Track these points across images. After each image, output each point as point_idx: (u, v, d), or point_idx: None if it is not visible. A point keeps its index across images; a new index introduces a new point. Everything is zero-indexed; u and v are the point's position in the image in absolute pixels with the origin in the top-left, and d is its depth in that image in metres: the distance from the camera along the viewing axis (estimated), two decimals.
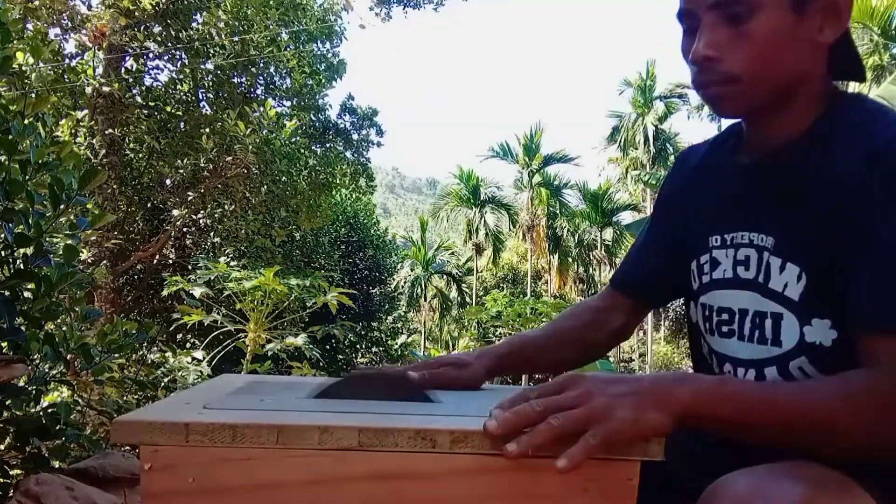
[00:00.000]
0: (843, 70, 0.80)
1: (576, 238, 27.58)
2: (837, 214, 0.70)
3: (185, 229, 9.54)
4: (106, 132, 8.23)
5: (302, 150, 9.31)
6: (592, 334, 1.01)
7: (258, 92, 9.62)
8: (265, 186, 8.65)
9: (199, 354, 4.83)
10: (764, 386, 0.70)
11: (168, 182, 9.07)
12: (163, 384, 4.14)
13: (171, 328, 7.05)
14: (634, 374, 0.66)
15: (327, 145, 10.74)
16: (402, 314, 18.79)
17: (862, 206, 0.68)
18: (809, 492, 0.58)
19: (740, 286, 0.80)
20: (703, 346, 0.88)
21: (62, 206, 1.78)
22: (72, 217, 2.04)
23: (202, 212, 8.97)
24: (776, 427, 0.63)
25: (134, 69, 9.08)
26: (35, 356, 1.92)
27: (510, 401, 0.61)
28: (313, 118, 10.47)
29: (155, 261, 9.64)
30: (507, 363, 0.97)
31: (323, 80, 9.88)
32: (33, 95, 2.00)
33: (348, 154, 10.98)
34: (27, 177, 1.75)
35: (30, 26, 7.75)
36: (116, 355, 2.27)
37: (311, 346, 4.86)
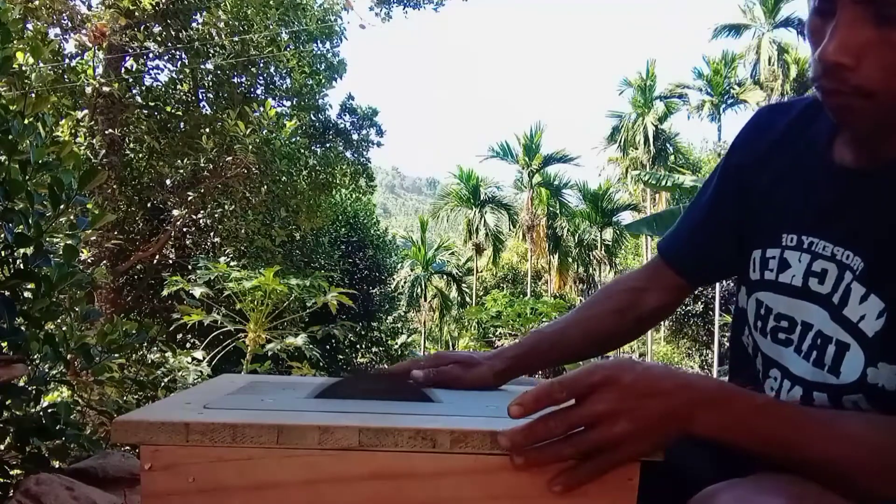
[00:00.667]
0: None
1: (576, 238, 27.60)
2: None
3: (185, 229, 9.55)
4: (106, 132, 8.23)
5: (302, 150, 9.31)
6: (618, 321, 0.93)
7: (258, 92, 9.63)
8: (265, 186, 8.66)
9: (199, 354, 4.83)
10: (797, 423, 0.61)
11: (168, 182, 9.08)
12: (163, 384, 4.14)
13: (171, 328, 7.04)
14: (680, 370, 0.63)
15: (327, 145, 10.75)
16: (402, 314, 18.80)
17: None
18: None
19: (809, 298, 0.73)
20: (748, 338, 0.83)
21: (62, 206, 1.78)
22: (72, 217, 2.04)
23: (202, 212, 8.97)
24: (799, 463, 0.59)
25: (134, 69, 9.09)
26: (35, 356, 1.92)
27: (533, 398, 0.57)
28: (313, 118, 10.48)
29: (155, 261, 9.64)
30: (523, 364, 0.91)
31: (323, 80, 9.89)
32: (33, 95, 2.00)
33: (348, 154, 10.99)
34: (27, 177, 1.75)
35: (30, 26, 7.75)
36: (116, 355, 2.27)
37: (311, 346, 4.86)
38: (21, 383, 1.89)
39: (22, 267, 1.81)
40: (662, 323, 28.99)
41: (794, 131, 0.79)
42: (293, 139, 8.95)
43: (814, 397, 0.72)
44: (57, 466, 2.09)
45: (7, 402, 1.84)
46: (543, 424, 0.57)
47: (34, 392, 1.98)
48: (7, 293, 1.76)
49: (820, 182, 0.74)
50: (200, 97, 9.32)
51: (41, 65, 7.34)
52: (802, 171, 0.76)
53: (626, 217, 26.33)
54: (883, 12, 0.58)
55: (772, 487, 0.58)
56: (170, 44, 8.60)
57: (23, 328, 1.82)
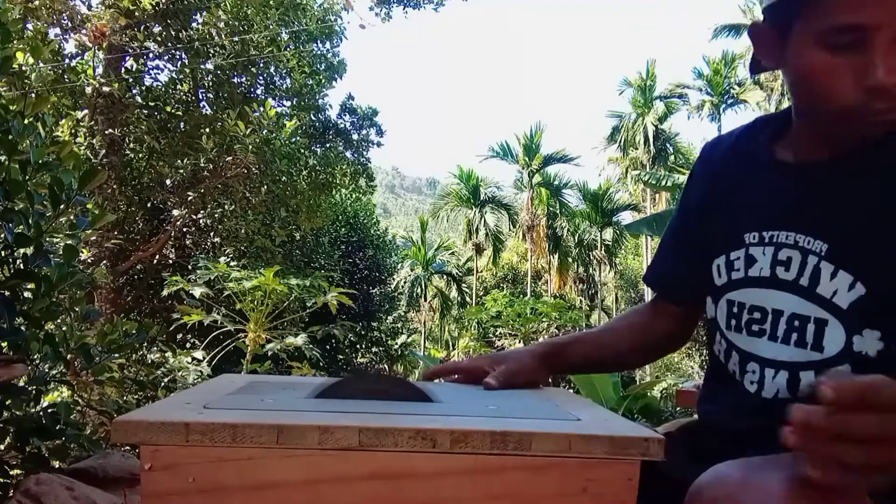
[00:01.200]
0: None
1: (576, 238, 27.59)
2: None
3: (185, 229, 9.54)
4: (106, 132, 8.23)
5: (302, 150, 9.31)
6: (648, 336, 1.00)
7: (258, 92, 9.62)
8: (265, 186, 8.66)
9: (199, 354, 4.83)
10: None
11: (168, 182, 9.07)
12: (163, 384, 4.14)
13: (171, 328, 7.04)
14: None
15: (327, 145, 10.74)
16: (402, 314, 18.79)
17: None
18: (799, 482, 0.56)
19: (777, 286, 0.78)
20: (719, 343, 0.87)
21: (62, 206, 1.78)
22: (72, 217, 2.04)
23: (202, 212, 8.97)
24: None
25: (134, 69, 9.08)
26: (35, 356, 1.92)
27: (857, 390, 0.48)
28: (313, 118, 10.47)
29: (155, 261, 9.64)
30: (560, 351, 0.98)
31: (323, 80, 9.88)
32: (33, 95, 2.00)
33: (348, 154, 10.99)
34: (27, 177, 1.75)
35: (30, 26, 7.75)
36: (116, 355, 2.28)
37: (311, 346, 4.86)
38: (21, 383, 1.89)
39: (22, 267, 1.81)
40: None
41: (736, 150, 0.88)
42: (293, 139, 8.95)
43: (800, 377, 0.76)
44: (57, 466, 2.09)
45: (7, 402, 1.84)
46: (854, 427, 0.47)
47: (34, 392, 1.99)
48: (7, 293, 1.76)
49: (772, 182, 0.82)
50: (200, 97, 9.32)
51: (41, 65, 7.33)
52: (753, 177, 0.84)
53: (626, 217, 26.33)
54: None
55: (776, 464, 0.58)
56: (170, 44, 8.60)
57: (23, 328, 1.83)
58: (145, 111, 8.84)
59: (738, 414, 0.82)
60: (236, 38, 8.48)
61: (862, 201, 0.73)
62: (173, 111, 9.13)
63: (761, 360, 0.80)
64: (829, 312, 0.74)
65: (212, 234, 9.47)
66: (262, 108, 8.49)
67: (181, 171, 8.75)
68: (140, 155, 9.19)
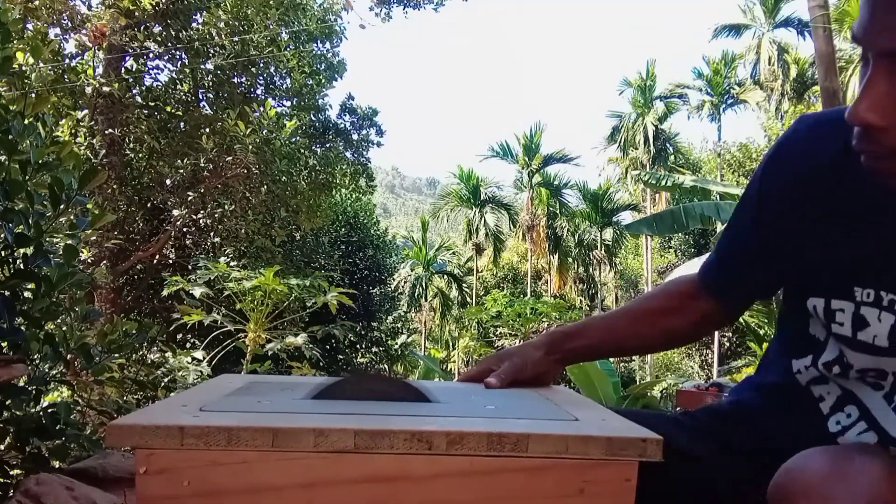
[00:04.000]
0: None
1: (576, 238, 27.58)
2: None
3: (185, 229, 9.54)
4: (106, 132, 8.23)
5: (302, 150, 9.30)
6: (675, 322, 0.90)
7: (258, 92, 9.62)
8: (265, 186, 8.65)
9: (199, 354, 4.83)
10: None
11: (168, 182, 9.06)
12: (163, 384, 4.14)
13: (171, 328, 7.04)
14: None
15: (327, 145, 10.74)
16: (403, 314, 18.78)
17: None
18: (890, 473, 0.54)
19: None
20: (810, 370, 0.76)
21: (62, 206, 1.78)
22: (72, 217, 2.04)
23: (202, 212, 8.97)
24: None
25: (134, 69, 9.08)
26: (35, 356, 1.92)
27: None
28: (313, 118, 10.47)
29: (155, 261, 9.64)
30: (569, 341, 0.92)
31: (323, 80, 9.88)
32: (33, 95, 2.00)
33: (348, 154, 10.98)
34: (27, 177, 1.75)
35: (30, 26, 7.75)
36: (116, 355, 2.28)
37: (311, 346, 4.86)
38: (21, 383, 1.89)
39: (22, 267, 1.81)
40: None
41: (849, 157, 0.64)
42: (293, 139, 8.95)
43: (890, 452, 0.66)
44: (57, 466, 2.09)
45: (7, 402, 1.84)
46: None
47: (34, 392, 1.98)
48: (7, 293, 1.76)
49: (886, 219, 0.66)
50: (200, 97, 9.32)
51: (41, 65, 7.34)
52: (873, 211, 0.66)
53: (626, 217, 26.32)
54: None
55: (860, 452, 0.57)
56: (170, 44, 8.60)
57: (23, 328, 1.83)
58: (145, 111, 8.83)
59: (802, 438, 0.71)
60: (236, 38, 8.48)
61: None
62: (173, 111, 9.12)
63: (864, 410, 0.71)
64: None
65: (212, 234, 9.47)
66: (262, 108, 8.49)
67: (181, 171, 8.74)
68: (140, 155, 9.19)
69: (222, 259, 6.95)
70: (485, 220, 27.64)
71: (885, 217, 0.65)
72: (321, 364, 9.73)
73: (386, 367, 14.22)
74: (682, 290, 0.90)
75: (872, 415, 0.70)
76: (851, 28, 0.58)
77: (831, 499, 0.54)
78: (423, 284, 27.24)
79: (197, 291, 4.78)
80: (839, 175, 0.68)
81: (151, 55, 8.89)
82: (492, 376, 0.87)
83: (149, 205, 9.55)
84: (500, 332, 21.30)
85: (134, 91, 8.79)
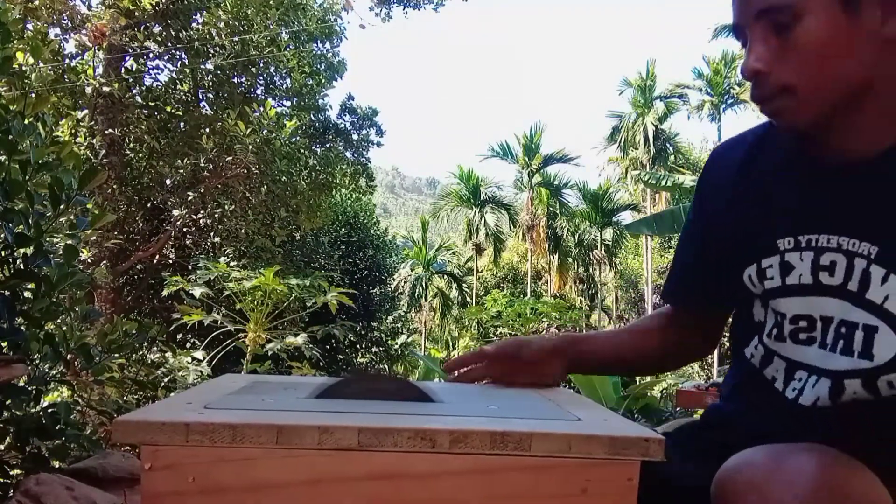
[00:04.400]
0: None
1: (576, 238, 27.59)
2: None
3: (185, 229, 9.54)
4: (106, 132, 8.22)
5: (302, 150, 9.31)
6: (654, 341, 0.98)
7: (258, 92, 9.62)
8: (265, 186, 8.66)
9: (199, 354, 4.83)
10: None
11: (168, 182, 9.06)
12: (163, 384, 4.14)
13: (171, 328, 7.04)
14: None
15: (327, 145, 10.74)
16: (403, 314, 18.78)
17: None
18: (828, 466, 0.58)
19: (822, 293, 0.75)
20: (756, 347, 0.83)
21: (62, 206, 1.78)
22: (72, 217, 2.04)
23: (202, 212, 8.96)
24: None
25: (134, 69, 9.08)
26: (35, 356, 1.92)
27: None
28: (313, 118, 10.47)
29: (155, 261, 9.64)
30: (574, 346, 0.96)
31: (323, 80, 9.88)
32: (33, 95, 2.00)
33: (348, 154, 10.98)
34: (27, 177, 1.75)
35: (30, 26, 7.75)
36: (116, 355, 2.28)
37: (311, 346, 4.86)
38: (21, 383, 1.89)
39: (22, 267, 1.81)
40: None
41: (755, 156, 0.83)
42: (293, 139, 8.95)
43: (844, 385, 0.73)
44: (57, 466, 2.09)
45: (7, 402, 1.84)
46: None
47: (34, 392, 1.98)
48: (7, 293, 1.76)
49: (804, 184, 0.78)
50: (200, 97, 9.32)
51: (41, 65, 7.34)
52: (776, 184, 0.80)
53: (626, 217, 26.32)
54: (779, 21, 0.68)
55: (801, 450, 0.60)
56: (170, 44, 8.60)
57: (23, 328, 1.83)
58: (145, 111, 8.83)
59: (769, 418, 0.80)
60: (236, 38, 8.48)
61: None
62: (173, 111, 9.12)
63: (810, 368, 0.76)
64: (879, 319, 0.71)
65: (212, 234, 9.46)
66: (262, 108, 8.49)
67: (181, 171, 8.74)
68: (140, 155, 9.19)
69: (222, 259, 6.95)
70: (485, 220, 27.64)
71: (794, 176, 0.78)
72: (321, 364, 9.73)
73: (386, 367, 14.21)
74: (664, 314, 0.99)
75: (816, 366, 0.76)
76: (732, 26, 0.74)
77: (770, 494, 0.58)
78: (423, 284, 27.24)
79: (197, 291, 4.78)
80: (748, 164, 0.83)
81: (151, 55, 8.89)
82: (490, 345, 0.95)
83: (149, 205, 9.55)
84: (500, 333, 21.30)
85: (134, 91, 8.78)
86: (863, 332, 0.72)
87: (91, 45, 8.33)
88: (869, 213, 0.72)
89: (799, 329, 0.77)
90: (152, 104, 8.93)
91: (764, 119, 0.81)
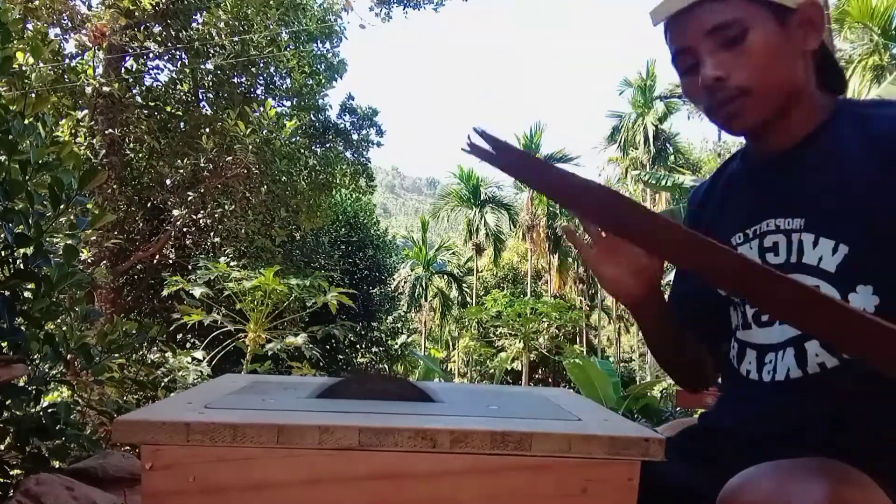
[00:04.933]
0: (829, 80, 0.86)
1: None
2: (872, 183, 0.74)
3: (185, 229, 9.53)
4: (106, 132, 8.22)
5: (302, 150, 9.30)
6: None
7: (258, 92, 9.61)
8: (265, 186, 8.65)
9: (199, 354, 4.83)
10: None
11: (168, 182, 9.06)
12: (163, 384, 4.14)
13: (171, 328, 7.04)
14: None
15: (327, 145, 10.73)
16: (403, 314, 18.78)
17: None
18: (834, 489, 0.58)
19: None
20: (733, 347, 0.89)
21: (62, 206, 1.78)
22: (72, 217, 2.04)
23: (202, 212, 8.96)
24: None
25: (134, 69, 9.08)
26: (35, 356, 1.92)
27: None
28: (313, 118, 10.46)
29: (155, 261, 9.63)
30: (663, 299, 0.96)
31: (323, 80, 9.87)
32: (33, 95, 2.00)
33: (348, 154, 10.97)
34: (27, 177, 1.75)
35: (30, 26, 7.74)
36: (116, 355, 2.28)
37: (311, 345, 4.86)
38: (21, 383, 1.89)
39: (22, 267, 1.81)
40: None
41: (717, 179, 0.97)
42: (293, 139, 8.94)
43: (805, 349, 0.79)
44: (57, 466, 2.09)
45: (7, 402, 1.84)
46: None
47: (34, 392, 1.98)
48: (7, 293, 1.76)
49: (744, 187, 0.89)
50: (200, 97, 9.32)
51: (41, 65, 7.33)
52: (731, 192, 0.91)
53: None
54: (726, 35, 0.78)
55: (808, 470, 0.61)
56: (170, 44, 8.59)
57: (23, 328, 1.82)
58: (145, 111, 8.83)
59: (749, 406, 0.83)
60: (236, 38, 8.47)
61: (822, 176, 0.79)
62: (173, 111, 9.11)
63: (775, 347, 0.82)
64: (819, 278, 0.77)
65: (212, 234, 9.46)
66: (262, 108, 8.48)
67: (181, 171, 8.73)
68: (140, 155, 9.18)
69: (222, 259, 6.95)
70: (485, 220, 27.63)
71: (738, 182, 0.90)
72: (321, 364, 9.72)
73: (386, 367, 14.21)
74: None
75: (779, 342, 0.81)
76: (674, 49, 0.84)
77: None
78: (423, 284, 27.22)
79: (197, 291, 4.78)
80: (712, 186, 0.96)
81: (151, 55, 8.88)
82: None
83: (149, 205, 9.54)
84: (501, 332, 21.29)
85: (134, 91, 8.78)
86: None
87: (91, 45, 8.33)
88: (793, 193, 0.82)
89: (757, 313, 0.84)
90: (152, 104, 8.92)
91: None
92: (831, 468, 0.62)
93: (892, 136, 0.75)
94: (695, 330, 0.99)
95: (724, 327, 0.96)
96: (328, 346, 11.51)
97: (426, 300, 27.40)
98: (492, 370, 21.02)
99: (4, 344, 1.75)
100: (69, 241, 1.98)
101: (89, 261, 7.67)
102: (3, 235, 1.73)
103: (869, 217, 0.74)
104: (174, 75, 9.17)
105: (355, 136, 11.18)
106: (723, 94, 0.79)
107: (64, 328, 2.11)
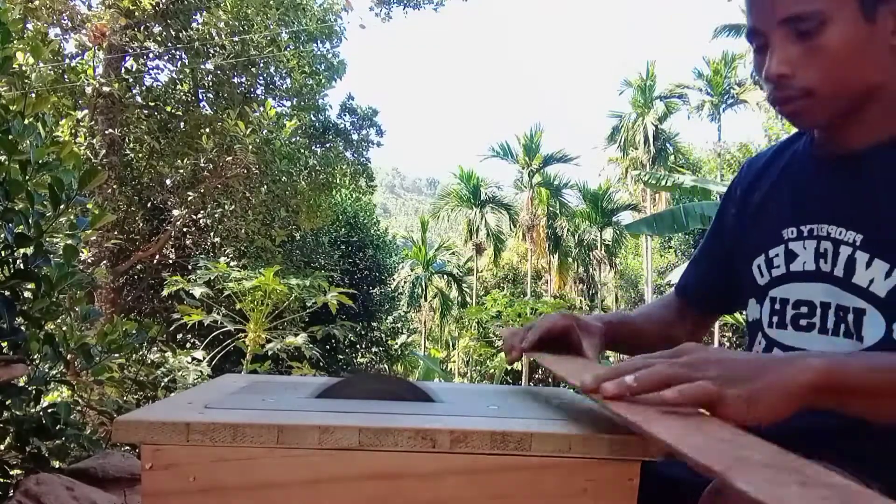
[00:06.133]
0: None
1: (576, 238, 27.57)
2: None
3: (185, 229, 9.54)
4: (106, 132, 8.22)
5: (302, 150, 9.31)
6: (676, 332, 1.01)
7: (258, 92, 9.61)
8: (265, 186, 8.66)
9: (199, 354, 4.84)
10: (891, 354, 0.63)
11: (168, 182, 9.06)
12: (163, 384, 4.15)
13: (171, 328, 7.05)
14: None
15: (327, 145, 10.73)
16: (403, 314, 18.77)
17: None
18: (812, 492, 0.57)
19: (820, 279, 0.79)
20: (759, 343, 0.87)
21: (62, 206, 1.78)
22: (72, 217, 2.04)
23: (202, 212, 8.97)
24: None
25: (134, 69, 9.08)
26: (35, 356, 1.92)
27: (616, 368, 0.60)
28: (313, 118, 10.46)
29: (155, 261, 9.63)
30: (613, 331, 0.96)
31: (323, 80, 9.87)
32: (33, 95, 2.00)
33: (348, 154, 10.97)
34: (27, 177, 1.75)
35: (30, 26, 7.75)
36: (116, 355, 2.28)
37: (311, 346, 4.86)
38: (21, 383, 1.89)
39: (22, 267, 1.81)
40: None
41: (777, 155, 0.91)
42: (293, 139, 8.95)
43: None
44: (57, 466, 2.09)
45: (7, 402, 1.84)
46: (636, 371, 0.59)
47: (34, 392, 1.98)
48: (7, 293, 1.76)
49: (804, 177, 0.84)
50: (200, 97, 9.32)
51: (41, 65, 7.33)
52: (791, 178, 0.86)
53: (626, 217, 26.29)
54: (800, 28, 0.72)
55: (789, 472, 0.59)
56: (170, 44, 8.59)
57: (23, 328, 1.83)
58: (145, 111, 8.83)
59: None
60: (236, 38, 8.47)
61: (892, 190, 0.74)
62: (173, 111, 9.11)
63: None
64: (866, 301, 0.74)
65: (212, 234, 9.46)
66: (262, 108, 8.49)
67: (181, 171, 8.74)
68: (140, 155, 9.19)
69: (222, 259, 6.95)
70: (485, 220, 27.63)
71: (802, 171, 0.84)
72: (321, 364, 9.72)
73: (386, 367, 14.21)
74: (675, 303, 1.04)
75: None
76: (748, 25, 0.78)
77: None
78: (423, 284, 27.22)
79: (197, 291, 4.79)
80: (769, 165, 0.91)
81: (151, 55, 8.88)
82: (587, 349, 0.89)
83: (149, 205, 9.55)
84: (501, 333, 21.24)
85: (134, 91, 8.78)
86: (853, 315, 0.75)
87: (91, 45, 8.33)
88: (854, 202, 0.77)
89: (800, 315, 0.81)
90: (152, 104, 8.92)
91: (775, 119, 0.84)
92: (817, 472, 0.62)
93: None
94: (696, 300, 1.00)
95: (720, 313, 1.01)
96: (328, 346, 11.51)
97: (426, 300, 27.40)
98: (492, 370, 21.02)
99: (4, 344, 1.75)
100: (69, 241, 1.98)
101: (89, 261, 7.68)
102: (3, 235, 1.73)
103: None
104: (174, 75, 9.18)
105: (355, 136, 11.18)
106: (786, 93, 0.75)
107: (64, 328, 2.12)
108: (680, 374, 0.57)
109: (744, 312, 0.94)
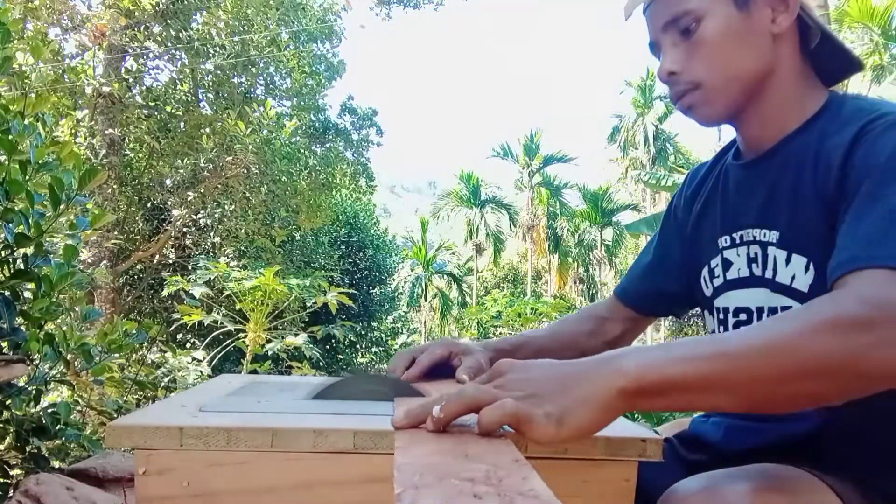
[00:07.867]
0: (837, 69, 0.80)
1: (576, 238, 27.57)
2: (832, 196, 0.68)
3: (185, 229, 9.54)
4: (106, 132, 8.22)
5: (302, 150, 9.31)
6: (590, 342, 1.00)
7: (258, 92, 9.61)
8: (265, 186, 8.65)
9: (199, 354, 4.84)
10: (714, 336, 0.56)
11: (168, 182, 9.06)
12: (163, 384, 4.15)
13: (171, 328, 7.05)
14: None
15: (327, 145, 10.73)
16: (403, 314, 18.77)
17: (848, 178, 0.66)
18: (761, 492, 0.59)
19: (754, 284, 0.79)
20: (717, 318, 0.87)
21: (62, 206, 1.78)
22: (72, 217, 2.04)
23: (202, 212, 8.97)
24: (739, 374, 0.51)
25: (134, 69, 9.08)
26: (35, 356, 1.92)
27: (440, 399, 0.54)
28: (313, 118, 10.46)
29: (155, 261, 9.63)
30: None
31: (323, 80, 9.87)
32: (33, 95, 2.00)
33: (348, 154, 10.98)
34: (27, 177, 1.75)
35: (30, 26, 7.75)
36: (116, 355, 2.27)
37: (311, 345, 4.86)
38: (21, 383, 1.89)
39: (22, 267, 1.81)
40: (663, 322, 28.95)
41: (713, 165, 0.93)
42: (293, 139, 8.95)
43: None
44: (57, 466, 2.09)
45: (7, 402, 1.84)
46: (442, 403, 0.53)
47: (34, 392, 1.98)
48: (7, 293, 1.76)
49: (734, 185, 0.84)
50: (200, 97, 9.31)
51: (41, 65, 7.33)
52: (722, 186, 0.87)
53: (626, 217, 26.29)
54: (681, 28, 0.76)
55: (742, 475, 0.61)
56: (170, 44, 8.59)
57: (23, 328, 1.82)
58: (145, 111, 8.83)
59: (733, 420, 0.83)
60: (236, 38, 8.47)
61: (795, 182, 0.74)
62: (173, 111, 9.11)
63: None
64: (792, 299, 0.74)
65: (212, 234, 9.46)
66: (262, 108, 8.49)
67: (181, 171, 8.74)
68: (140, 155, 9.19)
69: (222, 259, 6.95)
70: (485, 221, 27.63)
71: (727, 180, 0.85)
72: (321, 364, 9.72)
73: (386, 367, 14.22)
74: (594, 314, 1.03)
75: None
76: (649, 47, 0.82)
77: None
78: (423, 284, 27.22)
79: (197, 291, 4.79)
80: (708, 174, 0.92)
81: (151, 55, 8.88)
82: (462, 372, 0.83)
83: (149, 205, 9.55)
84: (500, 333, 21.28)
85: (134, 91, 8.78)
86: None
87: (91, 45, 8.33)
88: (767, 201, 0.78)
89: (740, 322, 0.81)
90: (152, 104, 8.92)
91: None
92: (772, 472, 0.63)
93: (869, 129, 0.67)
94: (636, 303, 1.00)
95: (657, 316, 1.03)
96: (328, 346, 11.51)
97: (426, 300, 27.40)
98: None
99: (4, 344, 1.75)
100: (69, 241, 1.97)
101: (89, 261, 7.68)
102: (3, 235, 1.73)
103: (826, 232, 0.68)
104: (174, 75, 9.17)
105: (355, 136, 11.18)
106: (677, 88, 0.78)
107: (64, 328, 2.11)
108: (484, 398, 0.52)
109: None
